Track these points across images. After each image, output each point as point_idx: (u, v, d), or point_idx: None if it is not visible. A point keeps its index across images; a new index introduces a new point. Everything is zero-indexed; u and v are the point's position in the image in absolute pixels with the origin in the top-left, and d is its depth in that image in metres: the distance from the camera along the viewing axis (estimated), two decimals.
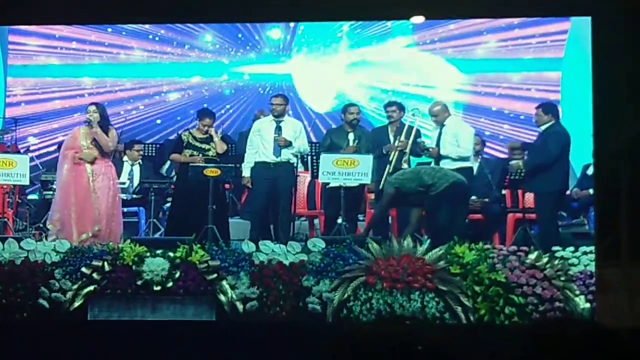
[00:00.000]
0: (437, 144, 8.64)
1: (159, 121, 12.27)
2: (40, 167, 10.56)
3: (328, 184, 8.71)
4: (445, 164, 8.51)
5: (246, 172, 8.88)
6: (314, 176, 8.92)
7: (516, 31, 11.63)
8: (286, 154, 8.80)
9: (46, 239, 8.02)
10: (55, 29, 12.04)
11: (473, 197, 8.77)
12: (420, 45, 11.97)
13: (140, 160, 10.04)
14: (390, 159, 8.77)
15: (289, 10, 8.40)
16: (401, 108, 9.23)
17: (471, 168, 8.67)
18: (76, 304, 7.20)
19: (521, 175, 8.49)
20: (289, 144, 8.78)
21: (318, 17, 10.50)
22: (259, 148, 8.85)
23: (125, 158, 10.00)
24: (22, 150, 10.51)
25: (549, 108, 8.45)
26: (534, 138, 9.27)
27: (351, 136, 8.94)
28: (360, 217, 9.48)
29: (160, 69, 12.43)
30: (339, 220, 8.44)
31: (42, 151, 11.73)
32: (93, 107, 8.49)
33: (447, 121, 8.71)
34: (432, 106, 8.96)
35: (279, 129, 8.87)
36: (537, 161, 8.32)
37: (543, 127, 8.33)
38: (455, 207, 8.07)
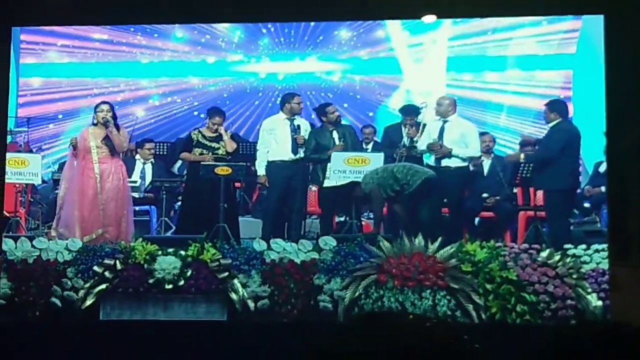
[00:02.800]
0: (440, 140, 8.57)
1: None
2: (51, 165, 10.60)
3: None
4: (447, 163, 8.50)
5: (261, 171, 8.87)
6: (312, 179, 8.89)
7: (527, 28, 11.58)
8: (300, 152, 8.82)
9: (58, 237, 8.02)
10: (67, 28, 12.06)
11: (484, 195, 8.76)
12: (427, 44, 11.94)
13: (152, 159, 10.04)
14: (397, 158, 8.73)
15: (296, 10, 8.41)
16: (417, 114, 9.15)
17: (468, 167, 8.66)
18: (88, 303, 7.24)
19: (532, 173, 8.46)
20: (305, 142, 8.81)
21: (326, 17, 10.50)
22: (272, 146, 8.83)
23: (137, 157, 10.00)
24: (34, 149, 10.54)
25: (555, 106, 8.42)
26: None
27: (335, 134, 8.82)
28: (372, 215, 9.48)
29: (170, 67, 12.44)
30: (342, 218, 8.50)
31: (54, 149, 11.76)
32: (107, 106, 8.42)
33: (450, 118, 8.67)
34: (441, 98, 8.94)
35: (297, 127, 8.87)
36: (539, 157, 8.34)
37: (550, 125, 8.32)
38: (431, 202, 8.15)
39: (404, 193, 8.09)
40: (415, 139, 8.74)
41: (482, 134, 9.29)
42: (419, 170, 8.18)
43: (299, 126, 8.85)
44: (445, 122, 8.61)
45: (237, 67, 12.36)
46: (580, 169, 8.68)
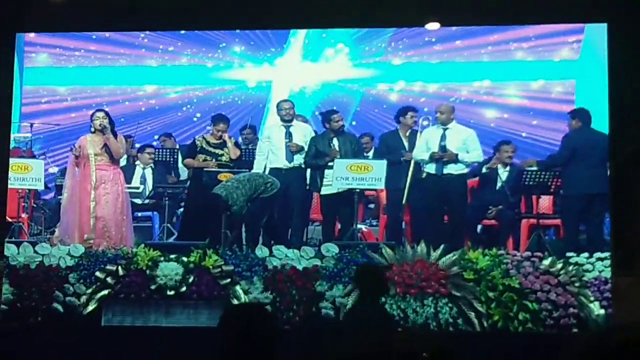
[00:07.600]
0: (442, 146, 8.55)
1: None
2: (56, 172, 10.61)
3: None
4: (451, 169, 8.46)
5: None
6: (311, 185, 8.85)
7: (531, 37, 11.59)
8: (298, 159, 8.80)
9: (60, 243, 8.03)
10: (72, 34, 12.10)
11: (499, 207, 8.71)
12: (429, 48, 11.95)
13: (152, 164, 10.03)
14: (410, 165, 8.70)
15: (298, 17, 8.43)
16: (417, 113, 9.14)
17: (468, 174, 8.66)
18: (90, 308, 7.24)
19: (535, 181, 8.45)
20: (300, 149, 8.78)
21: (328, 24, 10.51)
22: (269, 154, 8.84)
23: (137, 162, 9.99)
24: (37, 155, 10.55)
25: (575, 113, 8.54)
26: (550, 143, 9.33)
27: (335, 142, 8.80)
28: (375, 222, 9.47)
29: (172, 73, 12.49)
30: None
31: (58, 156, 11.78)
32: (102, 114, 8.43)
33: (450, 125, 8.67)
34: (441, 104, 8.93)
35: (289, 134, 8.86)
36: (548, 163, 8.53)
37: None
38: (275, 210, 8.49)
39: (262, 197, 8.19)
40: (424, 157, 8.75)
41: (504, 142, 9.23)
42: (276, 181, 8.34)
43: (290, 133, 8.85)
44: (445, 129, 8.61)
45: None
46: None
